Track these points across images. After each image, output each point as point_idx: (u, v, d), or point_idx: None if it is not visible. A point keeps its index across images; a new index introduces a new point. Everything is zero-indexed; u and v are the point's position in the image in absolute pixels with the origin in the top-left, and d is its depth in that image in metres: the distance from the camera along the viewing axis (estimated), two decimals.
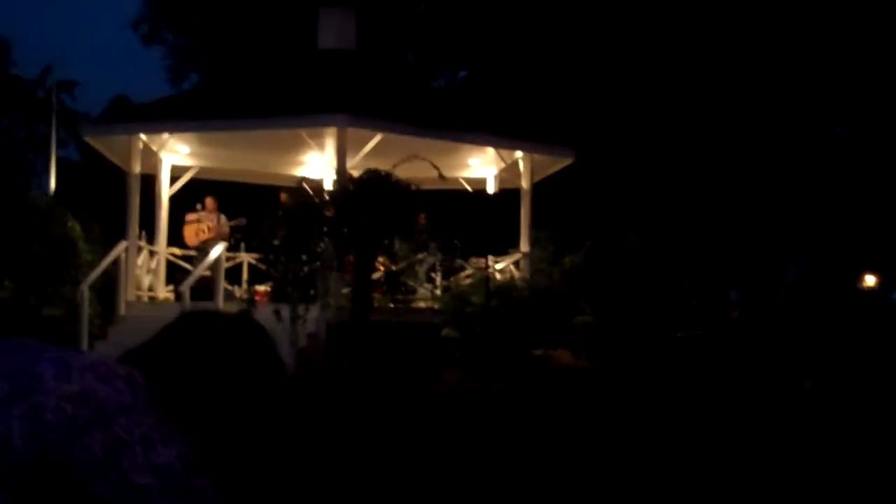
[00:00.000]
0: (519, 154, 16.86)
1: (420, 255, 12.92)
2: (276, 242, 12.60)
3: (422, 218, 13.44)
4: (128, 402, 1.63)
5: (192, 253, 16.57)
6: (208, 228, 16.44)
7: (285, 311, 12.02)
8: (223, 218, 16.66)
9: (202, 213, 16.64)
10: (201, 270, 14.41)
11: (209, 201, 16.74)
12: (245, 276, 17.41)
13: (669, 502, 7.39)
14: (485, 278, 13.71)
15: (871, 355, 12.49)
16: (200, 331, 1.84)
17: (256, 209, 16.59)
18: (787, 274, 13.89)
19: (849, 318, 13.04)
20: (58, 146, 22.53)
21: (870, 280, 22.41)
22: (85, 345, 13.52)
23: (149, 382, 1.69)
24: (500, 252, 16.61)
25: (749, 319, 14.03)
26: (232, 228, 16.66)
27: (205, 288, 14.58)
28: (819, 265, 13.93)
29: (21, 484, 1.53)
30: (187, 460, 1.63)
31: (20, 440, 1.54)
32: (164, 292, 16.76)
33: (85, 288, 13.81)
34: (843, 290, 13.52)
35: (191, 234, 16.60)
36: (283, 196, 15.29)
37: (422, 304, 14.75)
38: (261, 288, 14.24)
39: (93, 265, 14.84)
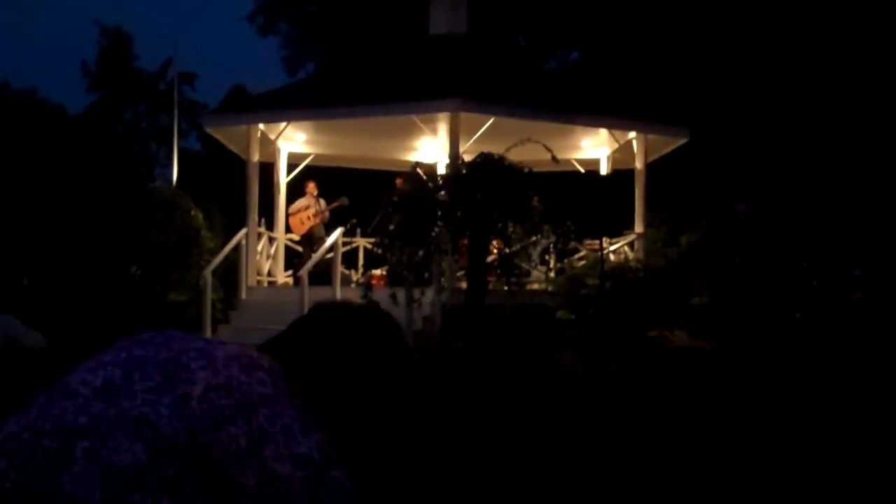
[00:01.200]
0: (632, 134, 16.69)
1: (534, 238, 12.90)
2: (391, 227, 12.75)
3: (535, 200, 13.44)
4: (269, 392, 1.71)
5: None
6: (312, 215, 16.76)
7: (401, 294, 12.19)
8: (322, 202, 16.94)
9: (304, 201, 16.96)
10: (320, 256, 14.69)
11: (310, 186, 17.07)
12: (361, 260, 17.70)
13: (792, 486, 7.29)
14: (599, 260, 13.64)
15: None
16: (332, 323, 1.92)
17: (372, 194, 16.82)
18: None
19: None
20: (179, 137, 23.15)
21: None
22: (208, 328, 13.97)
23: (286, 373, 1.78)
24: (615, 233, 16.49)
25: (872, 300, 13.60)
26: (334, 209, 16.95)
27: (322, 273, 14.88)
28: None
29: (171, 469, 1.61)
30: (325, 451, 1.70)
31: (168, 427, 1.63)
32: (282, 277, 17.17)
33: (208, 274, 14.25)
34: None
35: (296, 223, 16.94)
36: (399, 182, 15.45)
37: (536, 287, 14.76)
38: (377, 272, 14.43)
39: (215, 252, 15.32)
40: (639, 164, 16.77)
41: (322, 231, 16.43)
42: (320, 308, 1.97)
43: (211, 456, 1.62)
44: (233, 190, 17.45)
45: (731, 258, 14.53)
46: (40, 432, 1.62)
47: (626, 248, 16.38)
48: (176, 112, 23.48)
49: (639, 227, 16.43)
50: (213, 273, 14.46)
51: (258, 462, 1.64)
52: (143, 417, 1.62)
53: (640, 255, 15.95)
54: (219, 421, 1.64)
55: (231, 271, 15.38)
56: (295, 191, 17.64)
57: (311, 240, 16.43)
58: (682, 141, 16.84)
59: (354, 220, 16.58)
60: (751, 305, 13.94)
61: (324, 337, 1.89)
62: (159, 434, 1.61)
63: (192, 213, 15.95)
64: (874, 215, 19.46)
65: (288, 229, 17.21)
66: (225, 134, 17.24)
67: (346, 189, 17.45)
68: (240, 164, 17.24)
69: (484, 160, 12.66)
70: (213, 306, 14.48)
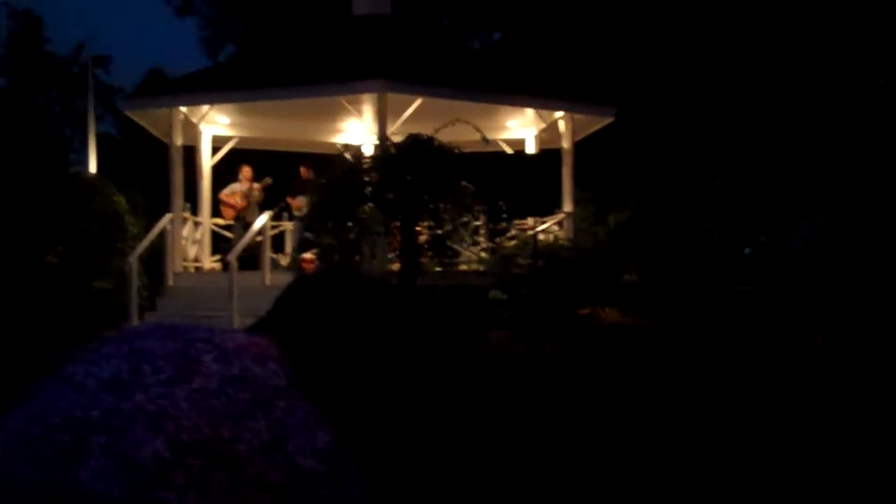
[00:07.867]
0: (559, 114, 16.72)
1: (465, 218, 12.86)
2: (318, 211, 12.60)
3: (464, 181, 13.38)
4: (282, 383, 1.65)
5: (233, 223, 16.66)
6: (240, 199, 16.50)
7: None
8: (255, 186, 16.67)
9: (236, 186, 16.68)
10: (248, 240, 14.45)
11: (245, 170, 16.79)
12: (289, 243, 17.49)
13: (729, 464, 7.36)
14: (529, 239, 13.65)
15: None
16: (324, 296, 1.83)
17: (297, 177, 16.65)
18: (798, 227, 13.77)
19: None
20: (95, 121, 22.55)
21: None
22: (135, 316, 13.67)
23: (290, 357, 1.70)
24: (544, 213, 16.53)
25: (811, 276, 13.86)
26: (265, 190, 16.73)
27: (251, 257, 14.65)
28: (838, 221, 13.76)
29: (196, 466, 1.53)
30: (341, 444, 1.65)
31: (189, 421, 1.55)
32: (209, 262, 16.88)
33: (133, 260, 13.93)
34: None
35: (226, 210, 16.67)
36: (304, 169, 15.52)
37: (467, 268, 14.73)
38: (307, 255, 14.26)
39: (139, 238, 14.97)
40: (566, 144, 16.82)
41: (254, 215, 16.09)
42: (305, 282, 1.87)
43: (235, 452, 1.54)
44: (153, 175, 17.08)
45: (665, 236, 14.70)
46: (50, 427, 1.52)
47: (555, 227, 16.43)
48: (91, 96, 22.88)
49: (567, 207, 16.49)
50: (139, 259, 14.15)
51: (282, 458, 1.58)
52: (161, 411, 1.53)
53: (570, 234, 16.01)
54: (238, 416, 1.57)
55: (156, 257, 15.06)
56: (222, 174, 17.33)
57: (242, 224, 16.12)
58: (608, 120, 16.91)
59: (283, 204, 16.38)
60: (681, 281, 14.13)
61: (317, 312, 1.80)
62: (181, 428, 1.53)
63: (115, 198, 15.56)
64: (807, 190, 19.84)
65: (218, 214, 16.90)
66: (145, 117, 16.85)
67: (274, 171, 17.21)
68: (160, 148, 16.88)
69: (413, 141, 12.57)
70: (139, 293, 14.16)
